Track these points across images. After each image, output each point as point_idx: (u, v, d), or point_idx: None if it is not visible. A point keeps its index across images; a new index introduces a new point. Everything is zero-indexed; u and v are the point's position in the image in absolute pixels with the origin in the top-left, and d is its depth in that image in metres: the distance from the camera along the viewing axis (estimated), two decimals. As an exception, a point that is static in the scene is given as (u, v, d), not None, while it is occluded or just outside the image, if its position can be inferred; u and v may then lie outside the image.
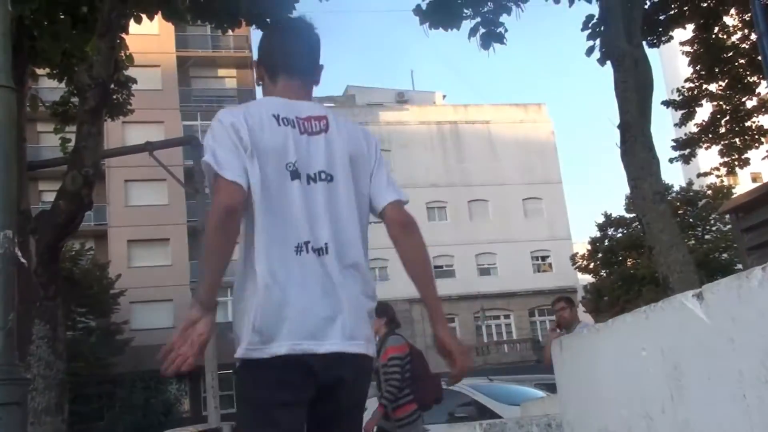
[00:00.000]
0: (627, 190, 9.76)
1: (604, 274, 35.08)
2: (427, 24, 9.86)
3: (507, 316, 42.38)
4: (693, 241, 31.01)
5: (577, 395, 2.47)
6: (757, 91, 16.73)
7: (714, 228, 33.32)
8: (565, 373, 2.54)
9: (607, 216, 35.32)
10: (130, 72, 11.37)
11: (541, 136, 45.21)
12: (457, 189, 43.13)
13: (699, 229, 33.59)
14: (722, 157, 17.84)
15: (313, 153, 2.28)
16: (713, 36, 15.68)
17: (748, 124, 17.25)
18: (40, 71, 10.20)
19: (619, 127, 8.11)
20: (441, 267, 41.86)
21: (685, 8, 13.14)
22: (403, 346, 6.28)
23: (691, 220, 33.22)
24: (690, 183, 33.42)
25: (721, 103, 17.15)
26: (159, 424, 23.82)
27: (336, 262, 2.21)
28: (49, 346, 7.49)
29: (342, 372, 2.17)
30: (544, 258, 43.79)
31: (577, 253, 38.03)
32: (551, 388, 10.95)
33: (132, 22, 9.49)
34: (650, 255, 8.72)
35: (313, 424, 2.22)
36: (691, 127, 17.93)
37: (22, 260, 4.49)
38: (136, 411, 27.43)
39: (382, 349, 6.22)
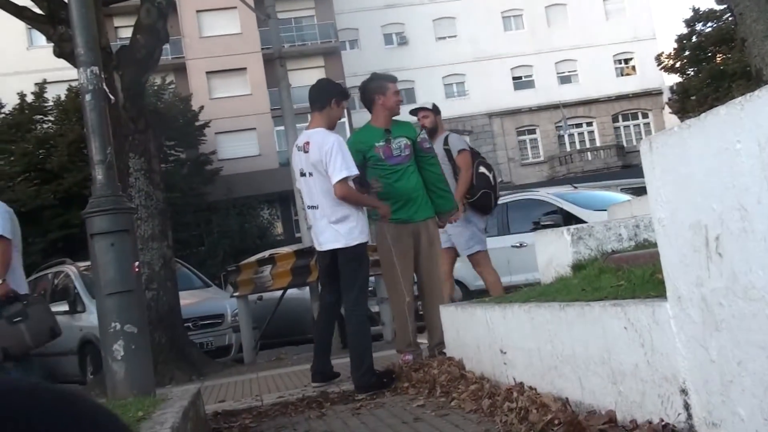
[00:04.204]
0: (719, -20, 9.11)
1: (692, 73, 33.64)
2: None
3: (590, 124, 41.62)
4: (790, 31, 29.10)
5: (668, 193, 2.45)
6: None
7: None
8: (654, 172, 2.51)
9: (696, 10, 33.34)
10: None
11: (623, -73, 42.17)
12: (533, -6, 41.25)
13: (797, 17, 31.41)
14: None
15: (304, 162, 5.05)
16: None
17: None
18: None
19: None
20: (520, 78, 40.94)
21: None
22: None
23: (788, 8, 31.03)
24: (788, -33, 30.94)
25: None
26: (255, 246, 25.01)
27: (319, 212, 5.02)
28: (146, 177, 7.85)
29: (329, 254, 5.14)
30: (627, 61, 42.16)
31: (663, 52, 36.38)
32: (638, 191, 10.90)
33: None
34: (742, 48, 8.27)
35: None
36: None
37: (111, 96, 4.63)
38: (233, 236, 28.79)
39: None
